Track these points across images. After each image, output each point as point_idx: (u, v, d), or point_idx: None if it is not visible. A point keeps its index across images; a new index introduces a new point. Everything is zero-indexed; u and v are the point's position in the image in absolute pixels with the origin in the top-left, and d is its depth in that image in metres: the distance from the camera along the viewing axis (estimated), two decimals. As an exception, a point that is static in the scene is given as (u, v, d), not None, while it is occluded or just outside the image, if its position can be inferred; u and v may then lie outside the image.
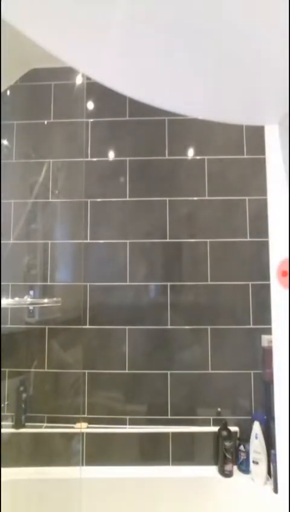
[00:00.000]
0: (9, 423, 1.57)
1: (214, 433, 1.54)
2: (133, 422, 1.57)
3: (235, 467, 1.49)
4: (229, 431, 1.50)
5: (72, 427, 1.56)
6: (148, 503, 1.40)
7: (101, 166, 1.71)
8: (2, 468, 1.32)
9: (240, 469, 1.49)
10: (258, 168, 1.64)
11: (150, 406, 1.59)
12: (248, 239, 1.62)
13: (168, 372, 1.59)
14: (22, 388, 1.58)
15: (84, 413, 1.57)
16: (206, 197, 1.66)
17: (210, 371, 1.58)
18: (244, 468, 1.47)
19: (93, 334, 1.61)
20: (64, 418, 1.58)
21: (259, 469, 1.43)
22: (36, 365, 1.62)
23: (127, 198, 1.68)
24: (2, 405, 1.57)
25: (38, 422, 1.59)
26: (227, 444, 1.47)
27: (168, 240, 1.64)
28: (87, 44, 0.25)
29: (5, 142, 1.74)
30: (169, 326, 1.60)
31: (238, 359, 1.58)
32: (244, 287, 1.61)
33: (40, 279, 1.68)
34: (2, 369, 1.58)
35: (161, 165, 1.69)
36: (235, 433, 1.53)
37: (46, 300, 1.63)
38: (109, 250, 1.64)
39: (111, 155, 1.72)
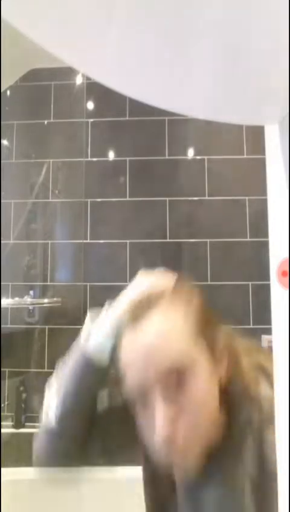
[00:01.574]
0: (9, 423, 1.57)
1: (214, 433, 1.53)
2: (133, 422, 1.57)
3: (235, 467, 1.49)
4: (229, 431, 1.50)
5: (72, 427, 1.56)
6: (148, 503, 1.40)
7: (101, 166, 1.71)
8: (2, 468, 1.31)
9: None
10: (258, 168, 1.63)
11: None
12: (248, 239, 1.62)
13: (168, 372, 1.59)
14: (22, 388, 1.58)
15: (84, 413, 1.57)
16: (206, 197, 1.66)
17: (210, 371, 1.58)
18: (244, 468, 1.47)
19: (93, 334, 1.61)
20: (64, 418, 1.58)
21: (259, 469, 1.43)
22: (36, 365, 1.62)
23: (127, 198, 1.68)
24: (2, 405, 1.57)
25: (38, 423, 1.59)
26: (227, 444, 1.46)
27: (168, 240, 1.64)
28: (87, 44, 0.25)
29: (5, 142, 1.74)
30: (169, 326, 1.60)
31: (238, 359, 1.57)
32: (245, 287, 1.61)
33: (40, 279, 1.68)
34: (2, 369, 1.58)
35: (161, 165, 1.69)
36: (235, 433, 1.53)
37: (46, 300, 1.63)
38: (109, 250, 1.64)
39: (111, 155, 1.72)
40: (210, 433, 0.44)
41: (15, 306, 1.62)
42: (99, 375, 0.52)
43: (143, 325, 0.45)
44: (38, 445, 0.58)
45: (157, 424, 0.41)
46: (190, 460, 0.43)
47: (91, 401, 0.54)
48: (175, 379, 0.43)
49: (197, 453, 0.43)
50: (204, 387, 0.44)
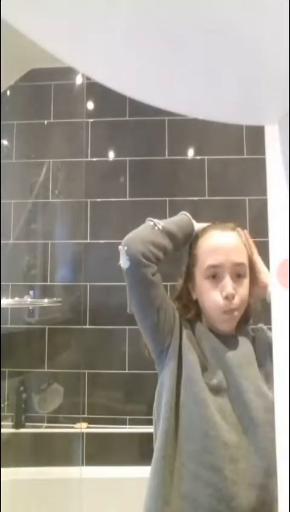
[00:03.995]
0: (9, 423, 1.57)
1: (214, 433, 1.53)
2: (133, 422, 1.57)
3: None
4: (229, 431, 1.50)
5: (72, 427, 1.56)
6: (148, 503, 1.40)
7: (101, 166, 1.71)
8: (2, 468, 1.32)
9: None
10: (258, 168, 1.63)
11: (150, 406, 1.58)
12: (248, 239, 1.62)
13: (168, 372, 1.59)
14: (22, 388, 1.58)
15: (84, 413, 1.57)
16: (206, 197, 1.66)
17: (210, 371, 1.58)
18: (244, 468, 1.47)
19: (93, 334, 1.61)
20: (64, 418, 1.58)
21: (259, 469, 1.43)
22: (36, 365, 1.62)
23: (127, 198, 1.68)
24: (2, 405, 1.57)
25: (38, 422, 1.59)
26: (227, 444, 1.46)
27: (168, 240, 1.64)
28: (88, 44, 0.25)
29: (5, 142, 1.74)
30: (169, 326, 1.60)
31: (238, 359, 1.58)
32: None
33: (40, 279, 1.68)
34: (2, 369, 1.58)
35: (161, 165, 1.69)
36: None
37: (46, 300, 1.63)
38: (109, 250, 1.64)
39: (111, 155, 1.72)
40: (245, 305, 0.75)
41: (15, 306, 1.62)
42: (190, 238, 0.84)
43: (228, 236, 0.78)
44: (143, 232, 0.80)
45: (227, 287, 0.71)
46: (235, 315, 0.74)
47: (178, 246, 0.82)
48: (239, 270, 0.74)
49: (239, 312, 0.74)
50: (247, 284, 0.75)
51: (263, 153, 0.33)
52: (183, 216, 0.88)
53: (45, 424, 1.59)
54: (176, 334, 0.77)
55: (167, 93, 0.30)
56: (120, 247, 0.77)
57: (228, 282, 0.71)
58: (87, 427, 1.56)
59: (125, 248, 0.77)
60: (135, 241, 0.77)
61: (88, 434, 1.54)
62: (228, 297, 0.71)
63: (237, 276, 0.73)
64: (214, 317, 0.75)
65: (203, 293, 0.76)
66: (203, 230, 0.82)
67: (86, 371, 1.60)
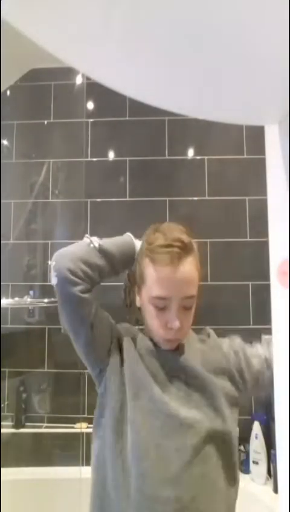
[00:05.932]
0: (9, 423, 1.57)
1: (214, 433, 1.53)
2: (133, 422, 1.57)
3: (235, 467, 1.49)
4: (229, 431, 1.50)
5: (72, 427, 1.56)
6: (148, 503, 1.39)
7: (101, 166, 1.71)
8: (2, 468, 1.31)
9: (240, 469, 1.48)
10: (258, 168, 1.63)
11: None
12: (248, 239, 1.62)
13: (168, 372, 1.58)
14: (22, 388, 1.58)
15: (84, 413, 1.57)
16: (206, 197, 1.65)
17: (210, 371, 1.58)
18: (245, 468, 1.47)
19: (93, 334, 1.61)
20: (64, 418, 1.58)
21: (259, 469, 1.43)
22: (36, 365, 1.62)
23: (127, 198, 1.68)
24: (2, 405, 1.57)
25: (38, 422, 1.59)
26: (227, 444, 1.46)
27: (168, 240, 1.64)
28: (87, 44, 0.25)
29: (5, 142, 1.74)
30: (169, 326, 1.60)
31: (238, 359, 1.57)
32: (245, 287, 1.60)
33: (40, 279, 1.68)
34: (2, 369, 1.58)
35: (161, 165, 1.68)
36: (235, 433, 1.53)
37: (46, 300, 1.63)
38: (109, 250, 1.64)
39: (111, 155, 1.72)
40: (189, 330, 0.77)
41: (15, 306, 1.62)
42: (131, 260, 0.81)
43: (182, 265, 0.69)
44: (74, 250, 0.78)
45: (173, 322, 0.67)
46: (177, 341, 0.73)
47: (116, 268, 0.80)
48: (188, 303, 0.70)
49: (182, 339, 0.74)
50: (193, 310, 0.73)
51: (263, 153, 0.33)
52: (127, 237, 0.84)
53: (45, 424, 1.59)
54: (116, 351, 0.75)
55: (167, 93, 0.30)
56: (49, 262, 0.75)
57: (174, 316, 0.68)
58: (87, 427, 1.55)
59: (53, 263, 0.72)
60: (64, 257, 0.73)
61: (88, 434, 1.54)
62: (172, 329, 0.68)
63: (184, 309, 0.70)
64: (155, 339, 0.73)
65: (147, 314, 0.72)
66: (156, 249, 0.70)
67: (86, 371, 1.59)
